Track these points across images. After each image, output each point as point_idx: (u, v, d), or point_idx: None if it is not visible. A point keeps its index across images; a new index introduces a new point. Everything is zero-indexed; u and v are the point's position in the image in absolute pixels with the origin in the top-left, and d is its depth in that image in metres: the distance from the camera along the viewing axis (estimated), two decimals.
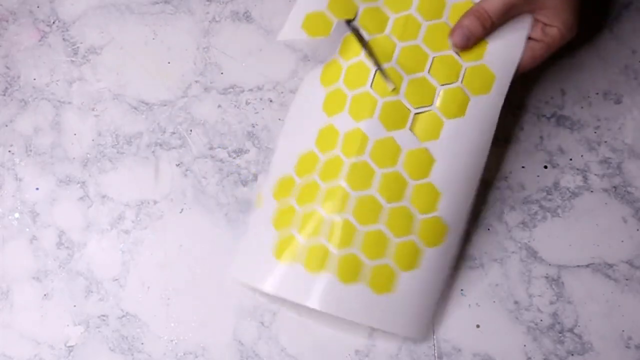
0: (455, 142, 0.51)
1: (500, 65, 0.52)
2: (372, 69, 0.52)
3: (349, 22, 0.53)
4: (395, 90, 0.51)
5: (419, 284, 0.52)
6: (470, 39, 0.51)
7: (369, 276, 0.51)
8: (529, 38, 0.52)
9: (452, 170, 0.52)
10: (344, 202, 0.51)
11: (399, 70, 0.52)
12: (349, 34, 0.53)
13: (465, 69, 0.52)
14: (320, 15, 0.52)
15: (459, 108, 0.51)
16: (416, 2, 0.53)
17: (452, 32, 0.51)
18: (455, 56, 0.52)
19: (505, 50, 0.52)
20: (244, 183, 0.58)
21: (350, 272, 0.51)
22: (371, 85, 0.52)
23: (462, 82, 0.52)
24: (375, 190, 0.51)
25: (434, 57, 0.52)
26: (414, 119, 0.51)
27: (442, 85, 0.52)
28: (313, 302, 0.50)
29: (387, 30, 0.52)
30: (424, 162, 0.51)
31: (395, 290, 0.51)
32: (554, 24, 0.51)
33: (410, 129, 0.52)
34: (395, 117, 0.51)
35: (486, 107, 0.52)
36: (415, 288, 0.52)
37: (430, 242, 0.52)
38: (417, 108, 0.51)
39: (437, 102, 0.51)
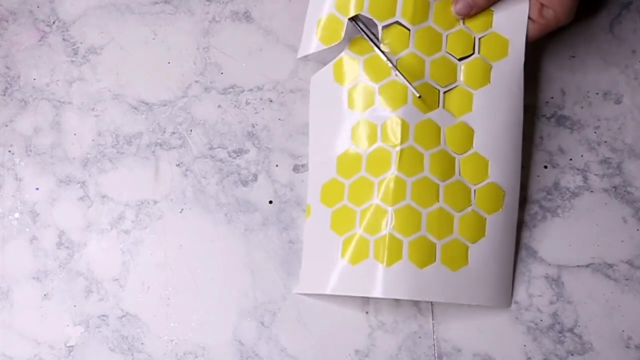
0: (488, 109, 0.53)
1: (511, 29, 0.53)
2: (393, 59, 0.52)
3: (356, 19, 0.53)
4: (421, 97, 0.52)
5: (489, 252, 0.53)
6: (473, 7, 0.52)
7: (442, 255, 0.52)
8: None
9: (493, 136, 0.53)
10: (402, 189, 0.52)
11: (419, 54, 0.53)
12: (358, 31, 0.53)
13: (479, 40, 0.53)
14: (331, 19, 0.53)
15: (483, 77, 0.53)
16: None
17: (456, 1, 0.52)
18: (466, 29, 0.53)
19: (512, 16, 0.53)
20: (244, 183, 0.58)
21: (423, 255, 0.52)
22: (396, 74, 0.52)
23: (479, 52, 0.53)
24: (427, 171, 0.52)
25: (447, 35, 0.53)
26: (444, 98, 0.53)
27: (461, 60, 0.53)
28: (397, 293, 0.51)
29: (398, 14, 0.53)
30: (465, 135, 0.53)
31: (469, 263, 0.52)
32: (552, 6, 0.52)
33: (444, 107, 0.53)
34: (427, 99, 0.53)
35: (508, 68, 0.53)
36: (486, 256, 0.53)
37: (490, 209, 0.53)
38: (444, 87, 0.53)
39: (461, 76, 0.53)
